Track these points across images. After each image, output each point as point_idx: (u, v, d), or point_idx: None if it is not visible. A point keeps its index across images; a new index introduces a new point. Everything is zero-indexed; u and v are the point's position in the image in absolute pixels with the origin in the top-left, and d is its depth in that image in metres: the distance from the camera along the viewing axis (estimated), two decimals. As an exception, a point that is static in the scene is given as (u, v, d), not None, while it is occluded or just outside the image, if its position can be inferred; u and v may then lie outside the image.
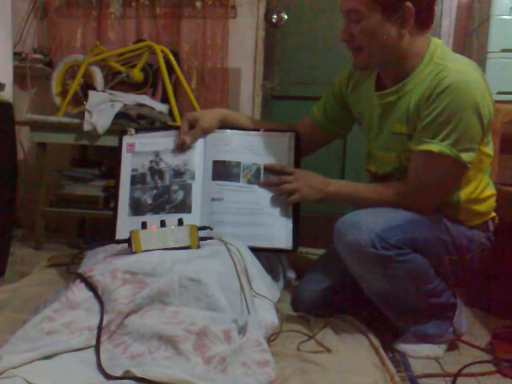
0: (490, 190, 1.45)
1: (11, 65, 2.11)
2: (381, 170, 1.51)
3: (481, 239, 1.41)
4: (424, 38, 1.36)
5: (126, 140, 1.63)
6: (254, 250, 1.52)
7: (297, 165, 1.61)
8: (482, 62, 2.17)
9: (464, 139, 1.28)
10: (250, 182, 1.58)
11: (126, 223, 1.55)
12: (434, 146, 1.29)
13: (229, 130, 1.63)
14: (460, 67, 1.29)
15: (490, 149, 1.40)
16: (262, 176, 1.58)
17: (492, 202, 1.46)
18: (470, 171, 1.35)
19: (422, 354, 1.34)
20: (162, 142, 1.62)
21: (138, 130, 1.65)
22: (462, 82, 1.26)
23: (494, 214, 1.47)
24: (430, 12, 1.34)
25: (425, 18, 1.32)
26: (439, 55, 1.33)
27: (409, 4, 1.26)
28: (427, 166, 1.33)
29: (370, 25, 1.30)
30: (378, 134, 1.47)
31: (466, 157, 1.29)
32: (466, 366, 1.22)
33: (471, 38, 2.41)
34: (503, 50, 2.11)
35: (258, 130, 1.65)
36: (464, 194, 1.38)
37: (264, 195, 1.56)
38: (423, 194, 1.36)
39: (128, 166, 1.61)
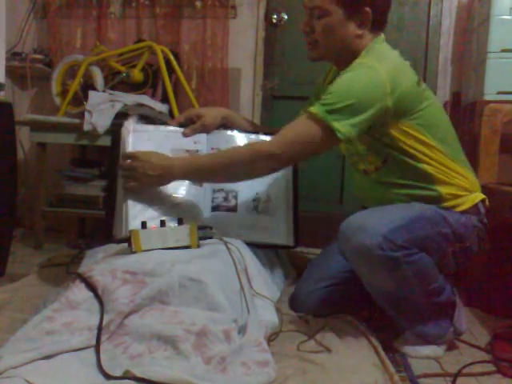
0: (463, 167, 1.45)
1: (4, 65, 2.11)
2: (361, 163, 1.52)
3: (473, 222, 1.41)
4: (373, 37, 1.44)
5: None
6: (257, 247, 1.56)
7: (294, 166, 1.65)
8: (482, 62, 2.17)
9: (346, 111, 1.30)
10: None
11: (139, 212, 1.48)
12: (314, 108, 1.33)
13: (230, 131, 1.65)
14: (367, 61, 1.36)
15: (417, 126, 1.38)
16: None
17: (473, 178, 1.46)
18: (422, 146, 1.38)
19: (422, 354, 1.34)
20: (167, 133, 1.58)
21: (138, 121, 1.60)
22: (363, 68, 1.35)
23: (483, 195, 1.46)
24: (384, 18, 1.46)
25: (379, 23, 1.44)
26: (369, 50, 1.41)
27: (367, 9, 1.39)
28: (301, 122, 1.37)
29: (331, 22, 1.41)
30: None
31: (338, 125, 1.30)
32: (465, 366, 1.22)
33: (471, 38, 2.41)
34: (503, 50, 2.11)
35: (257, 132, 1.68)
36: (432, 169, 1.39)
37: (265, 193, 1.58)
38: (285, 148, 1.35)
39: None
